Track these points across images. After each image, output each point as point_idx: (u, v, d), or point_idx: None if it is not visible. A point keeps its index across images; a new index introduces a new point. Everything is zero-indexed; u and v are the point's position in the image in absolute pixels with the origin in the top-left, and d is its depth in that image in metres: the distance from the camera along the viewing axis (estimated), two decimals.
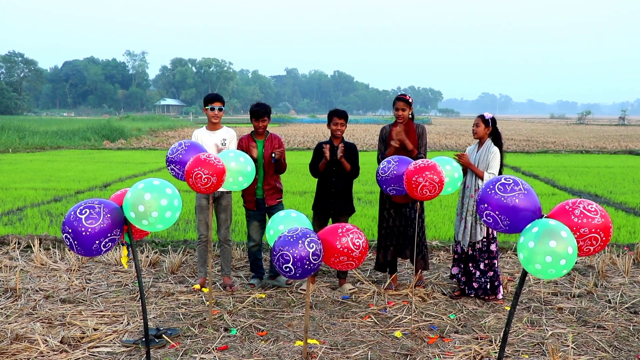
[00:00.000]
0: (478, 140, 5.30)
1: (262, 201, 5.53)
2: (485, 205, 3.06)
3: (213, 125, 5.53)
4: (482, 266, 5.20)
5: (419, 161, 4.39)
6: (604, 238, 2.88)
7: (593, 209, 2.89)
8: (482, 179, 5.08)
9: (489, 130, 5.23)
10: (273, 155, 5.37)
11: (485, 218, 3.09)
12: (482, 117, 5.24)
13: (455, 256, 5.39)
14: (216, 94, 5.56)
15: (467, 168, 5.21)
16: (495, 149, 5.15)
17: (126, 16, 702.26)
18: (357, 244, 3.49)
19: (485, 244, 5.19)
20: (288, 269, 3.31)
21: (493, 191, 3.04)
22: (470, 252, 5.23)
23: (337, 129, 5.50)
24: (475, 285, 5.24)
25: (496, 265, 5.24)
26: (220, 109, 5.47)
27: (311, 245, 3.35)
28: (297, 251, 3.30)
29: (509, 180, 3.06)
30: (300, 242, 3.33)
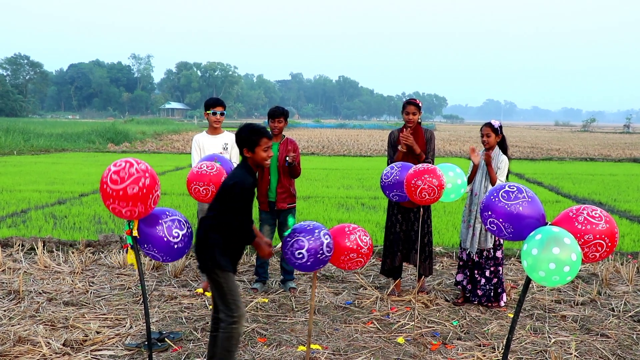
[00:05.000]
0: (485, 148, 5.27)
1: (273, 204, 5.53)
2: (489, 212, 3.05)
3: (214, 130, 5.53)
4: (487, 273, 5.19)
5: (420, 165, 4.41)
6: (609, 244, 2.86)
7: (597, 215, 2.88)
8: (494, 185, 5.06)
9: (499, 138, 5.18)
10: (287, 158, 5.35)
11: (489, 225, 3.09)
12: (490, 126, 5.14)
13: (461, 263, 5.38)
14: (217, 99, 5.56)
15: (474, 176, 5.21)
16: (504, 157, 5.14)
17: (132, 20, 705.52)
18: (365, 240, 3.60)
19: (492, 250, 5.18)
20: (301, 255, 3.36)
21: (497, 199, 3.04)
22: (476, 259, 5.21)
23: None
24: (479, 292, 5.22)
25: (501, 272, 5.22)
26: (221, 114, 5.48)
27: (326, 237, 3.43)
28: (312, 238, 3.39)
29: (513, 188, 3.05)
30: (316, 231, 3.44)
